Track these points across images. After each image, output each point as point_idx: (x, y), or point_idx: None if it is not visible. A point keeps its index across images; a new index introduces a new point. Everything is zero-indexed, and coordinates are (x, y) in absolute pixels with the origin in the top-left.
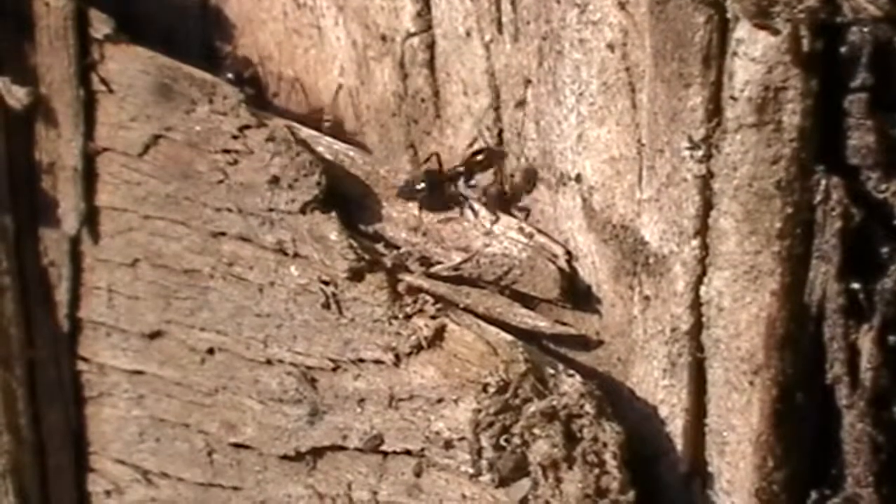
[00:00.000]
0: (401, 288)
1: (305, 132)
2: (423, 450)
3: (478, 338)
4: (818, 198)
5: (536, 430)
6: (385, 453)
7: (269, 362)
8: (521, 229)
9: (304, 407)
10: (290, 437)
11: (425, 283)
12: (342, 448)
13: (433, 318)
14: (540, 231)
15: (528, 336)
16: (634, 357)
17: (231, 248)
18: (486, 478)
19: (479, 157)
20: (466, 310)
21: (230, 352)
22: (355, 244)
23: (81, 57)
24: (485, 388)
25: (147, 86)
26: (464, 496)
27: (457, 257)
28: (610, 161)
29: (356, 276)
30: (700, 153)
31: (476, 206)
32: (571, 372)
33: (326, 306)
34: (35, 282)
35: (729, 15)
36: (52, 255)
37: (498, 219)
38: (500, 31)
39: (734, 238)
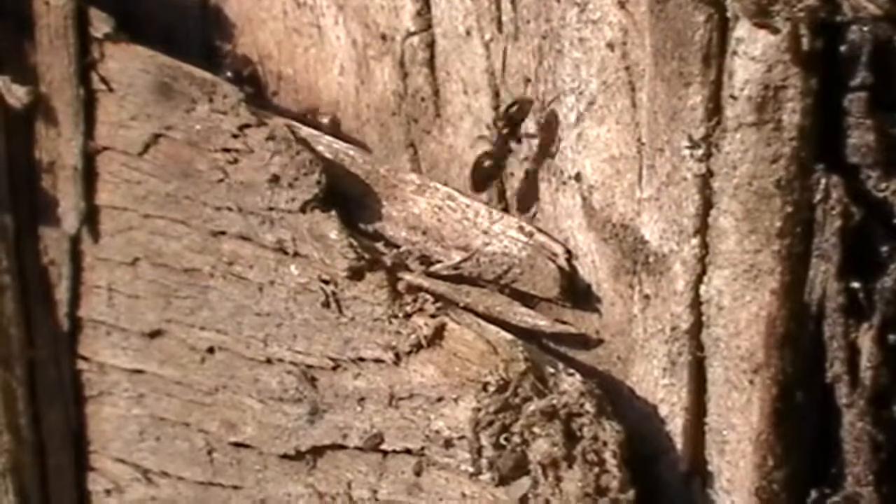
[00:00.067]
0: (401, 287)
1: (305, 131)
2: (423, 448)
3: (478, 336)
4: (818, 196)
5: (536, 429)
6: (385, 452)
7: (269, 361)
8: (520, 228)
9: (304, 406)
10: (290, 436)
11: (425, 282)
12: (342, 447)
13: (433, 316)
14: (540, 230)
15: (527, 335)
16: (634, 356)
17: (231, 247)
18: (485, 476)
19: (513, 109)
20: (466, 308)
21: (230, 351)
22: (355, 243)
23: (81, 56)
24: (485, 386)
25: (147, 85)
26: (464, 495)
27: (457, 256)
28: (610, 160)
29: (356, 274)
30: (700, 152)
31: (478, 204)
32: (571, 371)
33: (326, 305)
34: (35, 281)
35: (729, 14)
36: (52, 254)
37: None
38: (500, 30)
39: (734, 237)
